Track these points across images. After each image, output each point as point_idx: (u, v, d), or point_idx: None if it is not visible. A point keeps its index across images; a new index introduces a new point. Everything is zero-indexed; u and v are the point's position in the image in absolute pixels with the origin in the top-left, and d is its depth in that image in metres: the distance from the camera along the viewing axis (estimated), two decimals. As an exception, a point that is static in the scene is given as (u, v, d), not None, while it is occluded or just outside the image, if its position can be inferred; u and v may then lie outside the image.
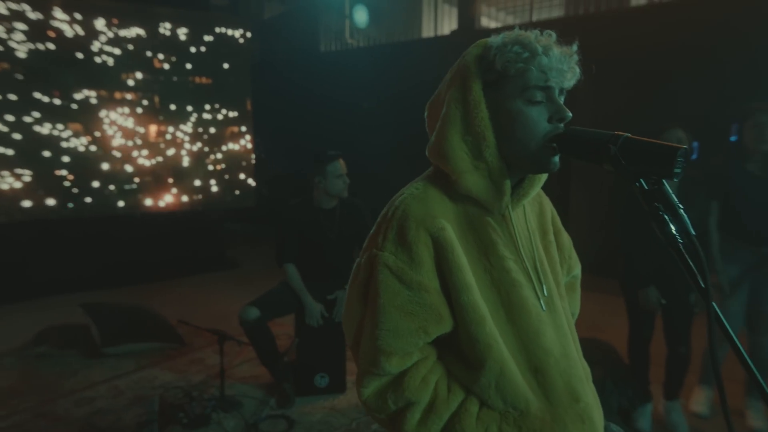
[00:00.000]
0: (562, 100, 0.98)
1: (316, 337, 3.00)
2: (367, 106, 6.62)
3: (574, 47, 0.98)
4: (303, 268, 3.05)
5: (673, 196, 0.82)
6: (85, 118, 5.11)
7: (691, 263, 0.81)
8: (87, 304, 3.94)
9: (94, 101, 5.14)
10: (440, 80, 1.09)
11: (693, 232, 0.80)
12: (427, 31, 8.54)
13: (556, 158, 0.98)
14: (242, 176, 6.25)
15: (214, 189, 5.99)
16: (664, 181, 0.83)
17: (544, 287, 1.06)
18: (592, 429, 1.03)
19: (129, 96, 5.31)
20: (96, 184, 5.24)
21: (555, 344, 1.03)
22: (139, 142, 5.43)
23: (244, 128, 6.17)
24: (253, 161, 6.37)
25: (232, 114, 6.05)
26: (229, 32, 5.91)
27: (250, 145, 6.27)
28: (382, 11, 7.77)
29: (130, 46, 5.27)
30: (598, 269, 3.59)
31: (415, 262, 0.97)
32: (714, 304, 0.79)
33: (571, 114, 0.96)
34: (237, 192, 6.20)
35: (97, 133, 5.16)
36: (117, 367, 3.45)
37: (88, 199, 5.21)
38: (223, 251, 6.44)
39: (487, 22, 8.22)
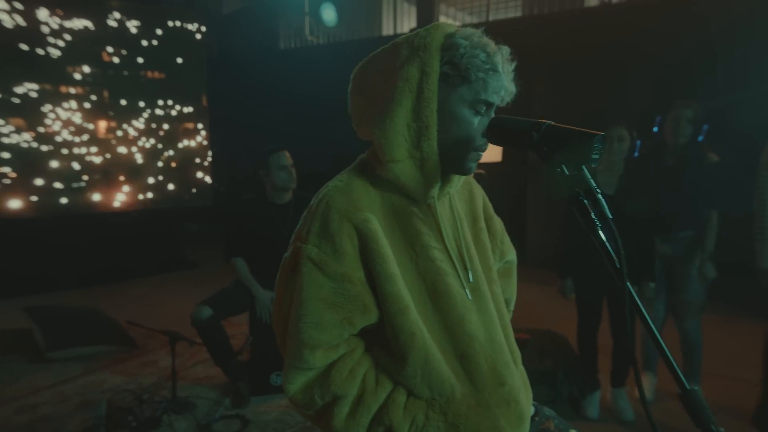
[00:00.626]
0: (491, 113, 1.02)
1: (271, 335, 2.95)
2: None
3: (513, 65, 1.01)
4: (256, 265, 3.00)
5: (592, 181, 0.84)
6: (28, 112, 4.90)
7: (607, 245, 0.84)
8: (31, 308, 3.79)
9: (37, 95, 4.93)
10: None
11: (610, 216, 0.83)
12: (387, 29, 8.56)
13: (474, 165, 1.02)
14: (199, 174, 6.12)
15: (170, 187, 5.84)
16: (583, 167, 0.85)
17: (470, 274, 1.07)
18: (518, 411, 1.05)
19: (76, 90, 5.11)
20: (40, 182, 5.02)
21: (480, 330, 1.04)
22: (87, 138, 5.24)
23: (200, 125, 6.04)
24: (209, 159, 6.24)
25: (187, 110, 5.91)
26: (184, 26, 5.77)
27: (206, 142, 6.14)
28: (342, 9, 7.75)
29: (77, 38, 5.07)
30: (554, 262, 3.68)
31: (338, 253, 0.97)
32: (628, 284, 0.82)
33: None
34: (194, 190, 6.06)
35: (41, 129, 4.95)
36: (63, 372, 3.32)
37: (33, 198, 4.99)
38: (180, 251, 6.29)
39: (445, 21, 8.29)
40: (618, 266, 0.83)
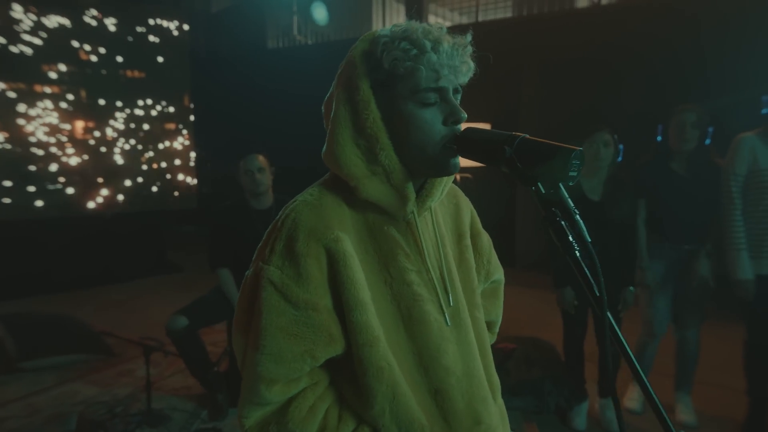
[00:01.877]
0: (458, 98, 0.90)
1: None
2: None
3: (468, 37, 0.90)
4: (239, 273, 2.91)
5: (570, 201, 0.76)
6: (1, 112, 4.73)
7: (586, 271, 0.76)
8: (2, 315, 3.66)
9: (10, 94, 4.77)
10: None
11: (588, 239, 0.75)
12: (377, 28, 8.48)
13: (456, 159, 0.90)
14: (183, 176, 5.99)
15: (153, 189, 5.70)
16: (560, 185, 0.77)
17: (450, 298, 0.98)
18: None
19: (51, 89, 4.96)
20: (13, 184, 4.87)
21: (457, 362, 0.95)
22: (64, 139, 5.08)
23: (182, 125, 5.91)
24: (193, 160, 6.11)
25: (169, 110, 5.76)
26: (164, 24, 5.62)
27: (188, 143, 6.01)
28: (330, 8, 7.66)
29: (52, 36, 4.91)
30: (543, 266, 3.61)
31: (302, 277, 0.88)
32: (608, 313, 0.74)
33: (465, 114, 0.88)
34: (176, 193, 5.92)
35: (15, 129, 4.79)
36: (36, 382, 3.21)
37: (6, 200, 4.83)
38: (163, 254, 6.17)
39: (434, 21, 8.22)
40: (597, 293, 0.74)
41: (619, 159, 2.63)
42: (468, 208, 1.13)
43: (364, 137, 0.90)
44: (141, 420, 2.66)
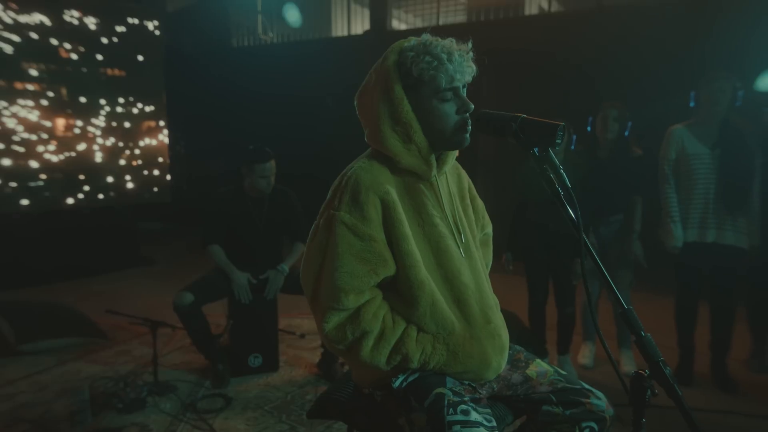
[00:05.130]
0: (464, 91, 1.29)
1: (249, 320, 3.14)
2: (330, 100, 6.68)
3: (469, 45, 1.29)
4: (231, 256, 3.15)
5: (556, 159, 1.13)
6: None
7: (568, 208, 1.12)
8: (-3, 302, 3.75)
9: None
10: (356, 76, 1.39)
11: (569, 185, 1.12)
12: (339, 31, 8.78)
13: (467, 135, 1.30)
14: (160, 172, 6.10)
15: (130, 186, 5.80)
16: (549, 149, 1.15)
17: (463, 237, 1.36)
18: (500, 343, 1.35)
19: (32, 87, 5.01)
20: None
21: (471, 280, 1.34)
22: (45, 136, 5.14)
23: (162, 123, 6.03)
24: (168, 156, 6.24)
25: (149, 108, 5.88)
26: (144, 23, 5.74)
27: (168, 140, 6.14)
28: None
29: (32, 34, 4.97)
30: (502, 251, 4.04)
31: (366, 218, 1.24)
32: (585, 236, 1.10)
33: (473, 105, 1.28)
34: (156, 189, 6.03)
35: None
36: (36, 363, 3.35)
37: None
38: (137, 248, 6.27)
39: (397, 24, 8.61)
40: (577, 222, 1.10)
41: (572, 147, 3.07)
42: (466, 178, 1.55)
43: (401, 125, 1.27)
44: (150, 389, 2.87)
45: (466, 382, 1.32)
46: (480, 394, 1.33)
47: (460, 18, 7.85)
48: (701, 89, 2.83)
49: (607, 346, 1.10)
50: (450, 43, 1.28)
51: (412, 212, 1.31)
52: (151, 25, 5.83)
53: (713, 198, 2.82)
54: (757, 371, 3.17)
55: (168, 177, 6.17)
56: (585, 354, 3.34)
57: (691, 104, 2.91)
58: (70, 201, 5.38)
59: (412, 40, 1.31)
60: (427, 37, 1.30)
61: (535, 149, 1.15)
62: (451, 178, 1.46)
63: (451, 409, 1.19)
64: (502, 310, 1.46)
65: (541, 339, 3.20)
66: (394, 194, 1.27)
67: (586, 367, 3.27)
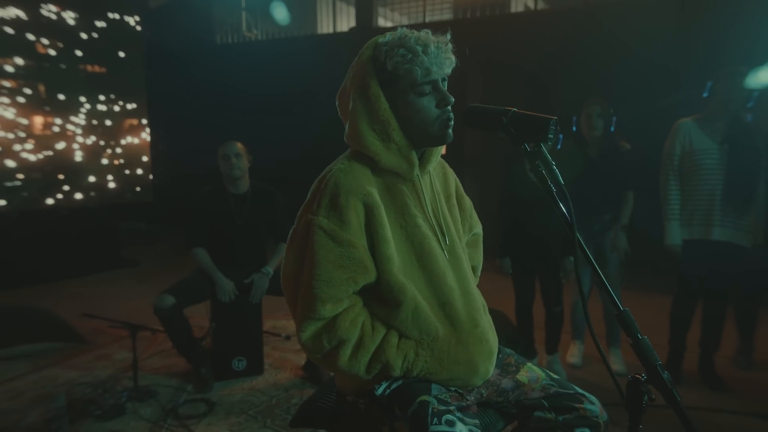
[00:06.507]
0: (444, 84, 1.23)
1: (233, 322, 3.06)
2: (324, 97, 6.61)
3: (448, 36, 1.23)
4: (214, 255, 3.08)
5: (548, 155, 1.08)
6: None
7: (561, 205, 1.07)
8: (-31, 307, 3.63)
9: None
10: (342, 74, 1.33)
11: (562, 182, 1.06)
12: (324, 28, 8.70)
13: (450, 131, 1.23)
14: (141, 171, 5.97)
15: (112, 185, 5.66)
16: (541, 144, 1.09)
17: (447, 239, 1.31)
18: (488, 348, 1.30)
19: (8, 83, 4.85)
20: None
21: (456, 283, 1.29)
22: (22, 134, 4.98)
23: (144, 121, 5.90)
24: (150, 155, 6.11)
25: (130, 105, 5.75)
26: (125, 18, 5.60)
27: (150, 138, 6.01)
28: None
29: (8, 29, 4.81)
30: (490, 249, 4.01)
31: (345, 223, 1.17)
32: (578, 234, 1.05)
33: (453, 98, 1.22)
34: (138, 188, 5.90)
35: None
36: (11, 369, 3.23)
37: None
38: (119, 249, 6.14)
39: (383, 22, 8.56)
40: (571, 222, 1.05)
41: (558, 147, 3.03)
42: (453, 177, 1.49)
43: (378, 123, 1.21)
44: (130, 395, 2.79)
45: (453, 389, 1.27)
46: (468, 401, 1.28)
47: (447, 15, 7.82)
48: (719, 82, 2.71)
49: (601, 348, 1.06)
50: (426, 35, 1.21)
51: (394, 213, 1.25)
52: (132, 21, 5.69)
53: (720, 194, 2.74)
54: (743, 368, 3.16)
55: (150, 176, 6.05)
56: (574, 353, 3.32)
57: (705, 94, 2.78)
58: (49, 201, 5.23)
59: (388, 35, 1.24)
60: (402, 30, 1.24)
61: (526, 144, 1.10)
62: (437, 176, 1.40)
63: (435, 419, 1.13)
64: (489, 310, 1.41)
65: (529, 339, 3.16)
66: (376, 196, 1.21)
67: (575, 366, 3.25)
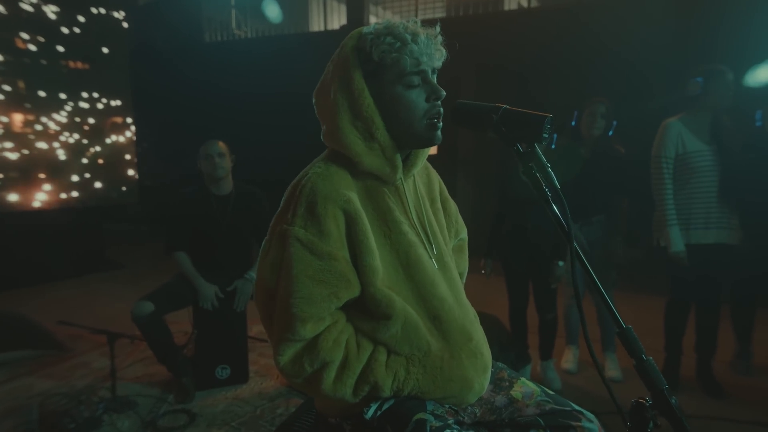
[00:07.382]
0: (434, 78, 1.12)
1: (216, 329, 2.95)
2: (313, 96, 6.50)
3: (437, 28, 1.12)
4: (196, 259, 2.96)
5: (543, 156, 0.98)
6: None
7: (556, 210, 0.97)
8: (-59, 313, 3.49)
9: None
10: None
11: (558, 186, 0.96)
12: (315, 26, 8.59)
13: (438, 132, 1.12)
14: (128, 171, 5.82)
15: (97, 185, 5.51)
16: (535, 144, 0.99)
17: (434, 247, 1.20)
18: (482, 362, 1.19)
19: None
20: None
21: (448, 294, 1.18)
22: (0, 132, 4.82)
23: (129, 119, 5.75)
24: (135, 154, 5.97)
25: (115, 103, 5.59)
26: (109, 13, 5.44)
27: (135, 137, 5.87)
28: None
29: (-15, 23, 4.68)
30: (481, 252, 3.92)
31: (324, 234, 1.06)
32: (575, 243, 0.96)
33: (444, 92, 1.10)
34: (124, 188, 5.75)
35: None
36: (-16, 378, 3.11)
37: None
38: (103, 251, 5.99)
39: (375, 20, 8.46)
40: (566, 228, 0.96)
41: (552, 146, 2.93)
42: (437, 179, 1.38)
43: (361, 120, 1.09)
44: (107, 406, 2.67)
45: (447, 406, 1.17)
46: (462, 418, 1.18)
47: (439, 13, 7.72)
48: (713, 80, 2.61)
49: (596, 358, 0.98)
50: (414, 25, 1.11)
51: (377, 220, 1.13)
52: (117, 16, 5.53)
53: (715, 196, 2.67)
54: (741, 373, 3.09)
55: (136, 176, 5.90)
56: (568, 359, 3.22)
57: (698, 92, 2.66)
58: (30, 201, 5.07)
59: (373, 25, 1.13)
60: (389, 20, 1.13)
61: (518, 145, 1.00)
62: (420, 179, 1.29)
63: None
64: (482, 314, 1.30)
65: (523, 344, 3.07)
66: (356, 202, 1.09)
67: (570, 372, 3.15)
